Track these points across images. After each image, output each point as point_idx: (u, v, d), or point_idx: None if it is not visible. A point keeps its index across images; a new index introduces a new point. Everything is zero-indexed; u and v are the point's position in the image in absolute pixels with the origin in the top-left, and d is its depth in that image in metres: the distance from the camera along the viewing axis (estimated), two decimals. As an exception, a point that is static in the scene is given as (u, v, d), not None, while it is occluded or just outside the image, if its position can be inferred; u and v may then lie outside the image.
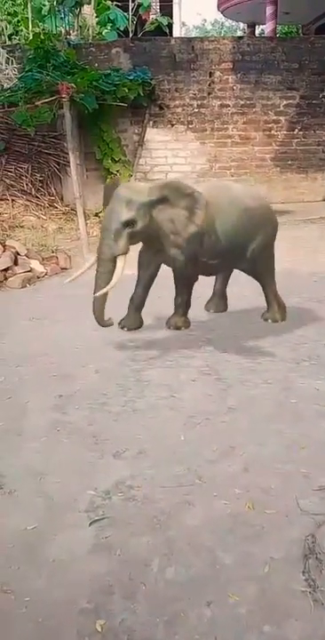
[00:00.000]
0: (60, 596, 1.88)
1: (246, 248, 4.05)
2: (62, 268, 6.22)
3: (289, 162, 10.28)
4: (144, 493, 2.38)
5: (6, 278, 5.64)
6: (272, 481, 2.44)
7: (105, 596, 1.87)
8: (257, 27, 17.31)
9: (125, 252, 3.59)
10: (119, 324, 4.15)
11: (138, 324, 4.20)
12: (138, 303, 4.15)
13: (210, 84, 9.84)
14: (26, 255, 6.08)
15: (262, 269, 4.27)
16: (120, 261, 3.60)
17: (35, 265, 6.00)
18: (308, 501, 2.31)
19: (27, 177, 8.52)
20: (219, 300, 4.65)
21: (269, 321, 4.38)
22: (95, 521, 2.22)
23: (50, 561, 2.03)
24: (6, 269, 5.69)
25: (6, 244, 6.09)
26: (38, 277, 5.88)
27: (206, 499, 2.34)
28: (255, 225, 4.02)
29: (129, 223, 3.52)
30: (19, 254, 5.98)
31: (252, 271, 4.29)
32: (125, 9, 11.05)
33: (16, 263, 5.84)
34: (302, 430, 2.85)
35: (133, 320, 4.19)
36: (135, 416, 3.04)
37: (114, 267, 3.60)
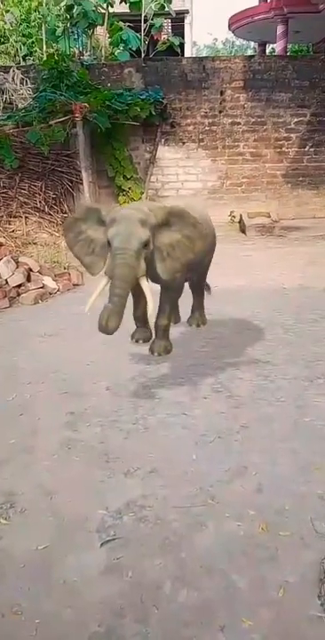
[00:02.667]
0: (71, 618, 1.85)
1: (204, 261, 4.36)
2: (74, 285, 6.26)
3: (300, 178, 10.30)
4: (156, 514, 2.35)
5: (19, 294, 5.68)
6: (286, 502, 2.40)
7: (116, 620, 1.84)
8: (267, 45, 17.48)
9: (144, 273, 3.40)
10: (132, 337, 4.21)
11: (150, 336, 4.22)
12: (142, 318, 4.19)
13: (221, 103, 9.94)
14: (39, 272, 6.13)
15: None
16: (144, 282, 3.41)
17: (48, 281, 6.04)
18: (323, 523, 2.26)
19: (40, 194, 8.64)
20: (200, 314, 4.74)
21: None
22: (106, 542, 2.19)
23: (60, 582, 2.00)
24: (19, 286, 5.74)
25: (19, 260, 6.15)
26: (51, 294, 5.92)
27: (219, 520, 2.30)
28: (211, 242, 4.38)
29: (146, 244, 3.36)
30: (32, 271, 6.03)
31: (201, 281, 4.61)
32: (137, 29, 11.24)
33: (29, 279, 5.89)
34: (317, 450, 2.80)
35: (144, 332, 4.25)
36: (146, 434, 3.02)
37: (130, 289, 3.41)
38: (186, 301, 4.58)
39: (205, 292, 4.74)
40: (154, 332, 4.11)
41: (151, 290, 3.44)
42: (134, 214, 3.41)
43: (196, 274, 4.37)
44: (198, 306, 4.70)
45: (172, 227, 3.51)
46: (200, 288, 4.63)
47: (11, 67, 9.38)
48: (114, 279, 3.27)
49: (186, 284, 4.39)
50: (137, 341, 4.23)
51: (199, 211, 4.11)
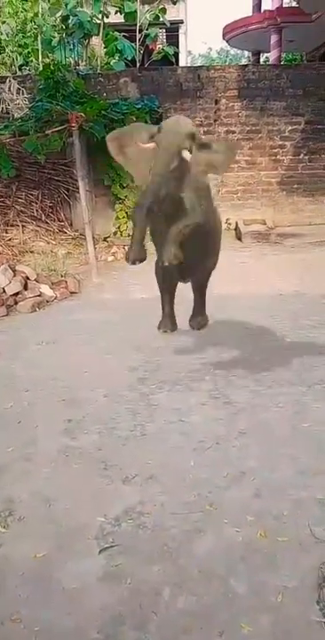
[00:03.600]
0: (70, 625, 1.85)
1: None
2: (71, 293, 6.26)
3: (296, 186, 10.36)
4: (154, 520, 2.35)
5: (16, 303, 5.68)
6: (284, 507, 2.40)
7: (115, 626, 1.84)
8: (261, 54, 17.64)
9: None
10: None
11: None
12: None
13: (216, 112, 10.00)
14: (35, 280, 6.14)
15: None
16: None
17: (45, 289, 6.05)
18: (322, 529, 2.26)
19: (37, 203, 8.67)
20: (201, 316, 4.77)
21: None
22: (105, 549, 2.19)
23: (59, 589, 2.00)
24: (16, 294, 5.74)
25: (16, 268, 6.16)
26: (48, 302, 5.93)
27: (217, 526, 2.31)
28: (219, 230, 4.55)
29: (193, 136, 3.43)
30: (29, 279, 6.04)
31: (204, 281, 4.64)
32: (132, 39, 11.33)
33: (26, 288, 5.89)
34: (315, 455, 2.81)
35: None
36: (144, 441, 3.02)
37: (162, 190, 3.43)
38: (186, 305, 4.62)
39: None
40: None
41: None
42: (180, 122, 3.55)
43: (200, 272, 4.39)
44: (200, 307, 4.72)
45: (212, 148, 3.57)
46: (202, 289, 4.64)
47: (7, 77, 9.43)
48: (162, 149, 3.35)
49: (188, 285, 4.47)
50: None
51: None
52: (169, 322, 4.52)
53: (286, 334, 4.63)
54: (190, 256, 3.75)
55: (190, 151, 3.40)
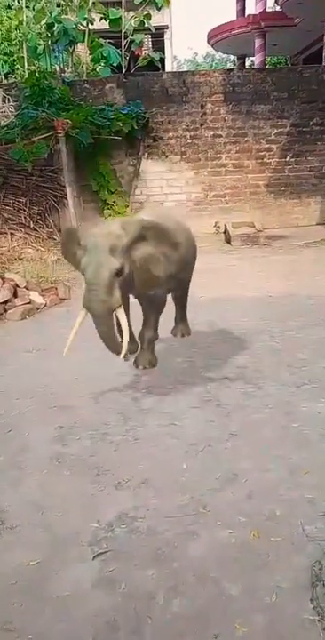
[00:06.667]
0: (64, 633, 1.84)
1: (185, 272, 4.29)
2: (61, 299, 6.25)
3: (283, 188, 10.46)
4: (147, 525, 2.35)
5: (6, 310, 5.66)
6: (276, 507, 2.42)
7: (110, 632, 1.83)
8: (246, 58, 17.79)
9: (120, 303, 3.33)
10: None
11: (136, 348, 4.17)
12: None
13: (202, 116, 10.07)
14: (25, 287, 6.12)
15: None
16: (121, 314, 3.36)
17: (35, 297, 6.03)
18: (314, 527, 2.28)
19: (25, 210, 8.65)
20: (183, 324, 4.74)
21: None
22: (98, 554, 2.19)
23: (53, 597, 1.99)
24: (6, 302, 5.71)
25: (5, 276, 6.13)
26: (38, 309, 5.91)
27: (210, 528, 2.31)
28: (192, 254, 4.33)
29: (118, 272, 3.23)
30: (18, 286, 6.02)
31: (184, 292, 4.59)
32: (118, 45, 11.38)
33: (15, 295, 5.87)
34: (305, 455, 2.83)
35: (130, 344, 4.21)
36: (136, 445, 3.02)
37: (112, 320, 3.39)
38: (167, 314, 4.61)
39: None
40: (139, 344, 4.11)
41: (126, 323, 3.43)
42: (103, 243, 3.24)
43: (179, 286, 4.33)
44: (181, 317, 4.71)
45: (148, 241, 3.42)
46: (183, 300, 4.63)
47: (-8, 85, 9.44)
48: (92, 315, 3.31)
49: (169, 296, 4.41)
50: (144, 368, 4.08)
51: (177, 222, 4.10)
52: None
53: (275, 335, 4.66)
54: (170, 288, 3.99)
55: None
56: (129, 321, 3.98)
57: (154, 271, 3.46)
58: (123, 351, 3.40)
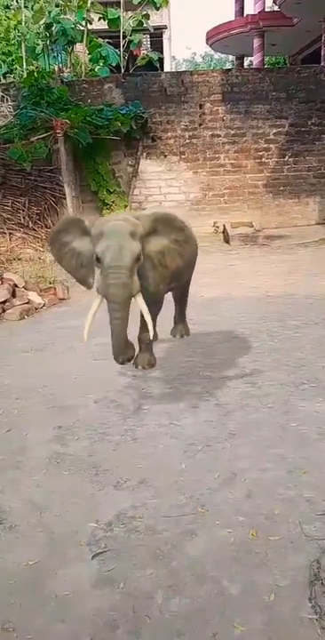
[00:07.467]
0: (64, 632, 1.84)
1: (189, 270, 4.23)
2: (60, 299, 6.26)
3: (281, 188, 10.47)
4: (146, 524, 2.35)
5: (4, 310, 5.66)
6: (275, 507, 2.42)
7: (109, 632, 1.84)
8: (245, 58, 17.80)
9: (139, 290, 3.21)
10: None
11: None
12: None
13: (200, 116, 10.08)
14: (24, 287, 6.12)
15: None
16: (140, 299, 3.24)
17: (34, 296, 6.03)
18: (312, 526, 2.28)
19: (24, 210, 8.65)
20: (182, 325, 4.73)
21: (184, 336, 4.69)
22: (97, 554, 2.19)
23: (52, 596, 1.99)
24: (4, 302, 5.72)
25: (4, 276, 6.14)
26: (36, 309, 5.91)
27: (209, 528, 2.32)
28: (194, 252, 4.23)
29: (138, 258, 3.15)
30: (17, 286, 6.02)
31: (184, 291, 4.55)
32: (117, 45, 11.38)
33: (14, 295, 5.87)
34: (304, 454, 2.83)
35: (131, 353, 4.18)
36: (135, 445, 3.02)
37: (129, 310, 3.21)
38: (166, 314, 4.60)
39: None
40: (139, 345, 4.08)
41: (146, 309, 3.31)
42: (124, 226, 3.16)
43: (180, 284, 4.31)
44: (181, 317, 4.70)
45: (160, 233, 3.36)
46: (183, 299, 4.63)
47: (-9, 85, 9.43)
48: (110, 302, 3.11)
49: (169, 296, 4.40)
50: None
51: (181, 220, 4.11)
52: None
53: (274, 335, 4.67)
54: (170, 287, 3.94)
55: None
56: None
57: (168, 265, 3.42)
58: (151, 332, 3.42)
